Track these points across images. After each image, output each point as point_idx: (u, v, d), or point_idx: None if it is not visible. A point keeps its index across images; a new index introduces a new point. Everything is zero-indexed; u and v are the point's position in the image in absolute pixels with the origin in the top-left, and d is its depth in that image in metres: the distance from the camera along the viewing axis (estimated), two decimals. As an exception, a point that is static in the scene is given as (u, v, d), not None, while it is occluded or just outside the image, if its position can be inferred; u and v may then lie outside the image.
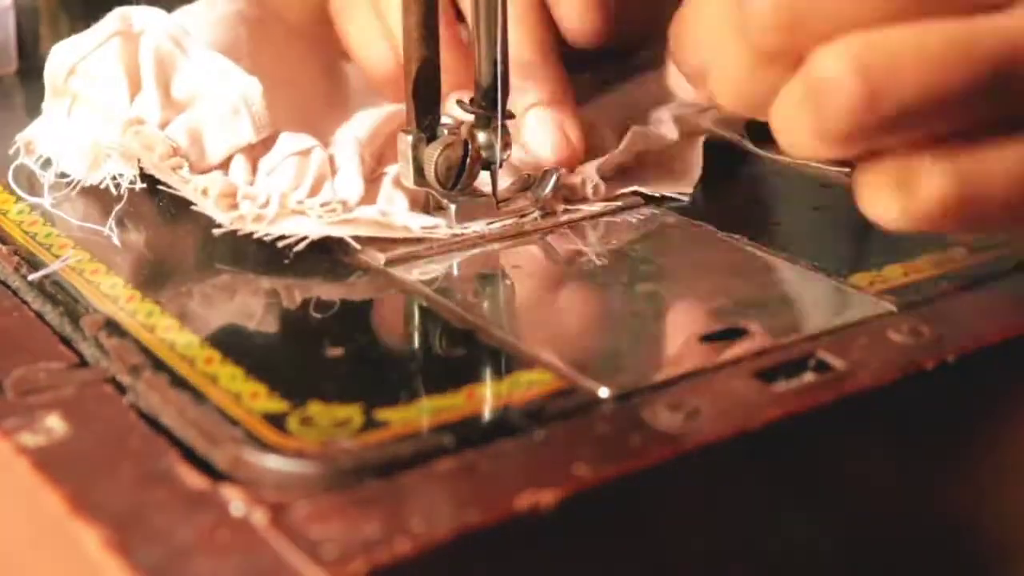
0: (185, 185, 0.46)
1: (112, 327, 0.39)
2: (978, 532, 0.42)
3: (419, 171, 0.46)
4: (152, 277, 0.43)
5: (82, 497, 0.31)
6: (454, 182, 0.45)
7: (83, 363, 0.38)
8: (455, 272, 0.44)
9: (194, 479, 0.32)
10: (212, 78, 0.49)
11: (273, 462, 0.32)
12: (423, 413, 0.35)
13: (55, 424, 0.34)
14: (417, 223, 0.45)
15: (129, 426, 0.34)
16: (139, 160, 0.47)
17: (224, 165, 0.48)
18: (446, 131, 0.46)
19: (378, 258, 0.44)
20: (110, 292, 0.42)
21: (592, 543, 0.33)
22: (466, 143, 0.46)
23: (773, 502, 0.36)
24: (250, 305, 0.42)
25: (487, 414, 0.35)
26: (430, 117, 0.46)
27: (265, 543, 0.29)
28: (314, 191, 0.46)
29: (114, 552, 0.29)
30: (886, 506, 0.39)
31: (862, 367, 0.37)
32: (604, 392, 0.36)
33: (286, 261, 0.44)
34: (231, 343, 0.38)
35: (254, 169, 0.47)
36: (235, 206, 0.45)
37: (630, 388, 0.36)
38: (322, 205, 0.45)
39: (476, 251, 0.45)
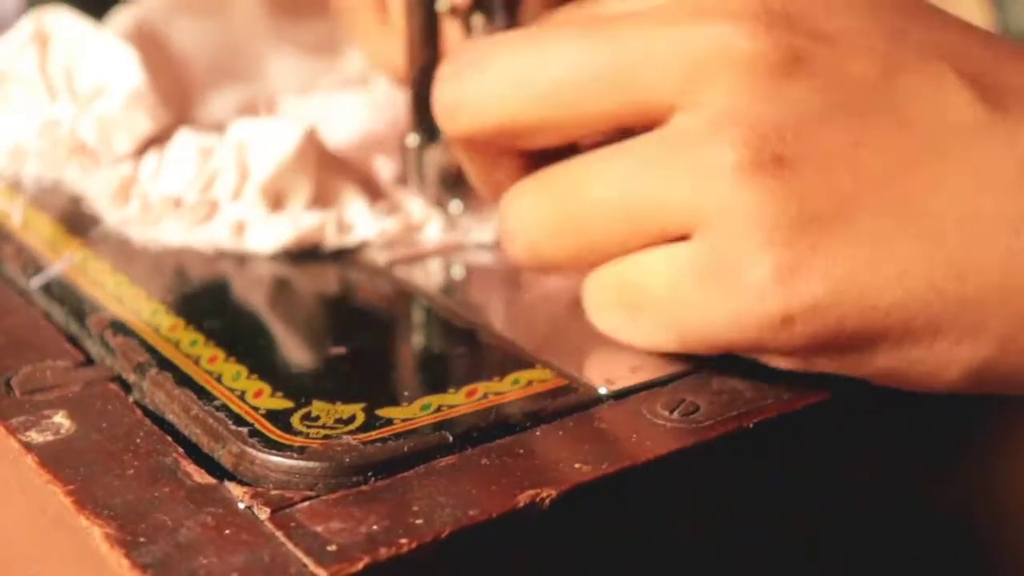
0: (86, 179, 0.47)
1: (117, 326, 0.39)
2: (978, 532, 0.42)
3: (421, 172, 0.46)
4: (157, 276, 0.43)
5: (87, 494, 0.31)
6: (455, 182, 0.46)
7: (89, 361, 0.38)
8: (456, 272, 0.44)
9: (198, 476, 0.32)
10: (115, 71, 0.49)
11: (276, 459, 0.33)
12: (424, 411, 0.35)
13: (61, 421, 0.34)
14: (277, 236, 0.45)
15: (134, 423, 0.34)
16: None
17: (134, 157, 0.48)
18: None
19: (380, 258, 0.45)
20: (115, 291, 0.42)
21: (592, 540, 0.33)
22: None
23: (772, 500, 0.37)
24: (253, 304, 0.42)
25: (488, 412, 0.35)
26: (432, 119, 0.46)
27: (269, 539, 0.30)
28: (206, 187, 0.46)
29: (119, 548, 0.29)
30: (886, 504, 0.39)
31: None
32: (603, 390, 0.36)
33: (288, 260, 0.44)
34: (235, 342, 0.38)
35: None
36: (128, 202, 0.46)
37: (629, 386, 0.36)
38: (191, 209, 0.45)
39: (477, 251, 0.46)
